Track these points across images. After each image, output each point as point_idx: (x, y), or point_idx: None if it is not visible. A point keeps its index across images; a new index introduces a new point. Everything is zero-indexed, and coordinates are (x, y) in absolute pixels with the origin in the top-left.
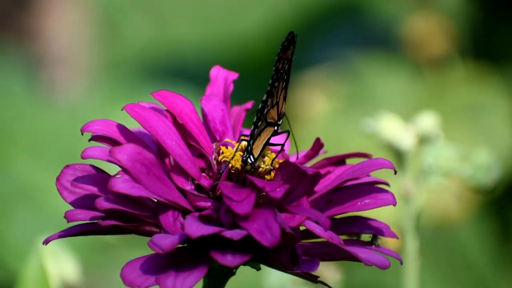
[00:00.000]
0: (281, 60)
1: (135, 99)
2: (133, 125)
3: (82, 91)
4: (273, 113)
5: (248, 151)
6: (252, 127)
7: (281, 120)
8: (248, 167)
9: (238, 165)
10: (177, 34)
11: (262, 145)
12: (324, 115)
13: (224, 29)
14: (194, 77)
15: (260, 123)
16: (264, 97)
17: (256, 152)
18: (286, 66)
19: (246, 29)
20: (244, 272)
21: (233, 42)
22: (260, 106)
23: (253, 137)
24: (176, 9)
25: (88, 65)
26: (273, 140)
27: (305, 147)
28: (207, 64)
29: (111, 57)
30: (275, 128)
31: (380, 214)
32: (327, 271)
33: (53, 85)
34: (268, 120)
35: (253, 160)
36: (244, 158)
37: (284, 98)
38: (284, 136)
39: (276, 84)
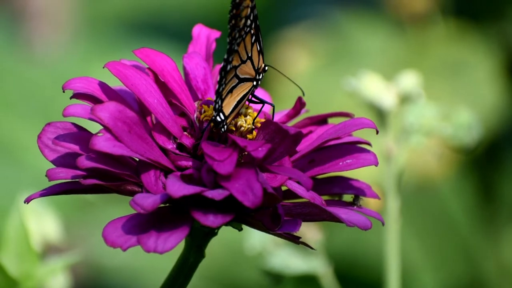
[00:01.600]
0: (236, 17)
1: (116, 56)
2: (114, 83)
3: (62, 47)
4: (247, 69)
5: (216, 109)
6: (217, 86)
7: (261, 75)
8: (219, 126)
9: None
10: None
11: (236, 102)
12: (305, 72)
13: None
14: (177, 35)
15: (227, 80)
16: (225, 56)
17: (227, 110)
18: (249, 21)
19: None
20: (226, 233)
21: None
22: (222, 65)
23: (219, 96)
24: None
25: (69, 21)
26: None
27: (287, 105)
28: (190, 22)
29: (93, 13)
30: (254, 83)
31: (361, 174)
32: (309, 231)
33: (34, 41)
34: (241, 76)
35: (223, 118)
36: (213, 117)
37: (260, 52)
38: (266, 94)
39: (237, 40)
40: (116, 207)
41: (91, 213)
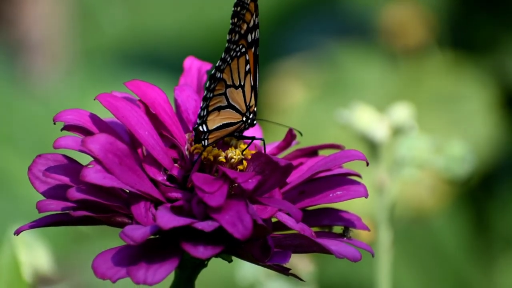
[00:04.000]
0: (239, 17)
1: (111, 88)
2: (107, 115)
3: (58, 79)
4: (238, 98)
5: (200, 116)
6: (205, 91)
7: (250, 114)
8: (200, 138)
9: (210, 156)
10: (154, 23)
11: (222, 124)
12: (300, 104)
13: (201, 18)
14: (171, 66)
15: (215, 90)
16: (218, 63)
17: (211, 125)
18: (250, 37)
19: (224, 18)
20: (218, 265)
21: (210, 31)
22: (213, 71)
23: (206, 103)
24: None
25: (65, 53)
26: (247, 133)
27: (280, 137)
28: (184, 54)
29: (88, 45)
30: (243, 119)
31: (354, 205)
32: (301, 263)
33: (30, 73)
34: (231, 101)
35: (205, 129)
36: (196, 126)
37: (253, 89)
38: (257, 128)
39: (232, 53)
40: (110, 239)
41: (84, 244)
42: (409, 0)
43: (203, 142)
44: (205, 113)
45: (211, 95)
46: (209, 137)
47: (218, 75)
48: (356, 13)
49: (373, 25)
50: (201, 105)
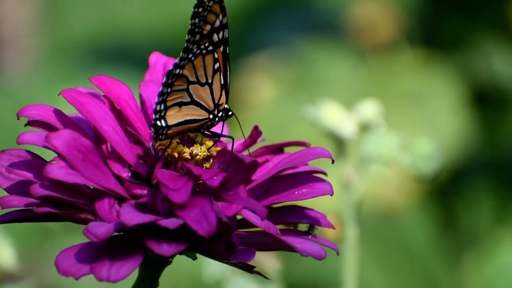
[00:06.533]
0: (200, 17)
1: (80, 83)
2: (74, 111)
3: (26, 75)
4: (204, 95)
5: (156, 111)
6: (161, 87)
7: (219, 112)
8: (158, 133)
9: (175, 152)
10: (124, 18)
11: (183, 120)
12: (268, 100)
13: (171, 13)
14: (140, 62)
15: (173, 86)
16: (177, 60)
17: (171, 120)
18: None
19: None
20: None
21: (180, 27)
22: (171, 67)
23: (162, 97)
24: None
25: (34, 49)
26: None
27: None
28: (153, 49)
29: (57, 41)
30: (210, 116)
31: (321, 203)
32: (267, 260)
33: None
34: (195, 98)
35: (164, 125)
36: (153, 121)
37: (224, 87)
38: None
39: (194, 50)
40: (77, 235)
41: (51, 240)
42: None
43: (160, 137)
44: (162, 108)
45: (169, 90)
46: (168, 132)
47: (177, 71)
48: (325, 10)
49: (342, 21)
50: (157, 99)
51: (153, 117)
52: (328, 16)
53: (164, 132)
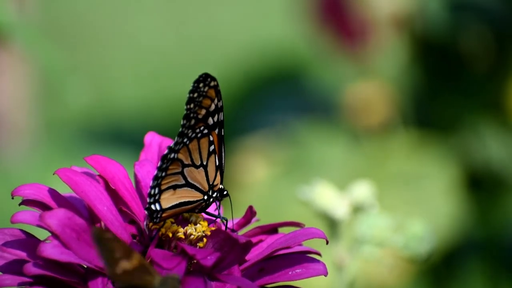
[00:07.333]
0: (195, 103)
1: (74, 162)
2: (69, 190)
3: (20, 153)
4: (199, 177)
5: (151, 194)
6: (156, 171)
7: (214, 193)
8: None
9: (169, 232)
10: (118, 97)
11: (178, 203)
12: (263, 180)
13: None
14: (135, 141)
15: (168, 170)
16: (172, 144)
17: (166, 203)
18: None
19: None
20: None
21: (174, 105)
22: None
23: (157, 181)
24: (118, 72)
25: (28, 127)
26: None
27: (244, 213)
28: (148, 128)
29: (51, 119)
30: (205, 197)
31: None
32: None
33: None
34: (190, 181)
35: (158, 208)
36: (148, 205)
37: (219, 169)
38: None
39: (189, 134)
40: None
41: None
42: (373, 78)
43: (155, 220)
44: (156, 192)
45: (163, 174)
46: (163, 215)
47: (171, 155)
48: (320, 91)
49: (336, 102)
50: (151, 183)
51: (148, 200)
52: (322, 97)
53: (159, 215)
